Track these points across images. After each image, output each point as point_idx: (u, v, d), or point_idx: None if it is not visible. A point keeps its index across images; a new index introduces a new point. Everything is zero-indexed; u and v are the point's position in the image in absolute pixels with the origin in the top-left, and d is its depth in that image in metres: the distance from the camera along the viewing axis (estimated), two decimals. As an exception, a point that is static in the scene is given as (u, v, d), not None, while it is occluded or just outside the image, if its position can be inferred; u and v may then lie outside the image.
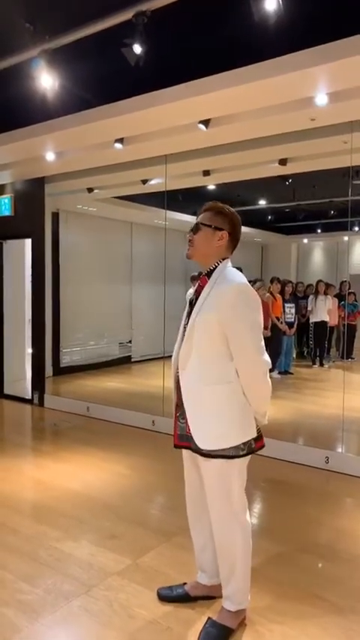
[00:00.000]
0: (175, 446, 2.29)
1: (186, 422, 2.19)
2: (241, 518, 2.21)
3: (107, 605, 2.45)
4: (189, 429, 2.18)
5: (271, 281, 8.73)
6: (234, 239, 2.28)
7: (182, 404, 2.21)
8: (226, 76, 3.66)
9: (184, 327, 2.24)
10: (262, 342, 2.15)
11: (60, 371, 7.80)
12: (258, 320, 2.15)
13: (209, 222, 2.24)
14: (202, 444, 2.13)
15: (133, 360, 9.26)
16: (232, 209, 2.30)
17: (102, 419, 5.93)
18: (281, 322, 8.27)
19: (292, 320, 9.04)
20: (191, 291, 2.30)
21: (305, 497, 3.84)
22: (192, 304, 2.24)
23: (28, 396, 6.86)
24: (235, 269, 2.24)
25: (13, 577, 2.68)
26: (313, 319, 9.50)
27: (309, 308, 9.75)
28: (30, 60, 3.93)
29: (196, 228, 2.26)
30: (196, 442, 2.14)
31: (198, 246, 2.25)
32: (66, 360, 8.10)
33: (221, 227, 2.23)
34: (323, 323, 9.46)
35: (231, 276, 2.17)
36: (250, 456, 2.19)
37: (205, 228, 2.24)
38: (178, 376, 2.22)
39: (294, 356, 9.10)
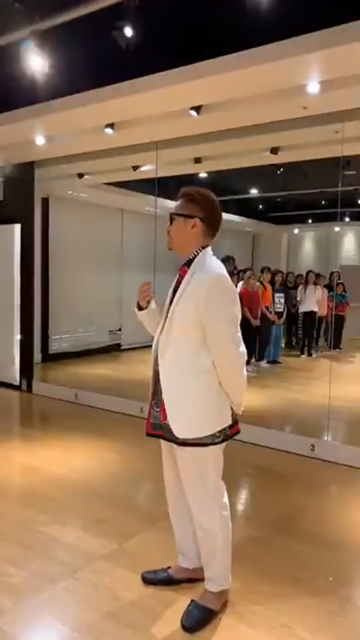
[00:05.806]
0: (148, 434, 2.29)
1: (161, 410, 2.20)
2: (219, 502, 2.24)
3: (92, 587, 2.48)
4: (163, 418, 2.18)
5: (262, 270, 8.72)
6: (210, 225, 2.22)
7: (159, 392, 2.21)
8: (218, 62, 3.63)
9: (165, 317, 2.23)
10: (239, 334, 2.14)
11: (48, 358, 7.79)
12: (234, 312, 2.13)
13: (180, 211, 2.22)
14: (178, 432, 2.13)
15: (122, 347, 9.25)
16: (207, 193, 2.23)
17: (90, 406, 5.94)
18: (271, 312, 8.30)
19: (282, 310, 9.07)
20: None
21: (290, 484, 3.89)
22: (173, 294, 2.23)
23: (17, 382, 6.85)
24: (215, 258, 2.22)
25: (-2, 560, 2.70)
26: (302, 309, 9.52)
27: (298, 298, 9.77)
28: (19, 41, 3.86)
29: (170, 219, 2.24)
30: (173, 430, 2.14)
31: (173, 237, 2.24)
32: (55, 346, 8.08)
33: (192, 214, 2.19)
34: (312, 313, 9.48)
35: (208, 267, 2.16)
36: (225, 442, 2.21)
37: (177, 217, 2.22)
38: (157, 364, 2.23)
39: (283, 345, 9.14)
